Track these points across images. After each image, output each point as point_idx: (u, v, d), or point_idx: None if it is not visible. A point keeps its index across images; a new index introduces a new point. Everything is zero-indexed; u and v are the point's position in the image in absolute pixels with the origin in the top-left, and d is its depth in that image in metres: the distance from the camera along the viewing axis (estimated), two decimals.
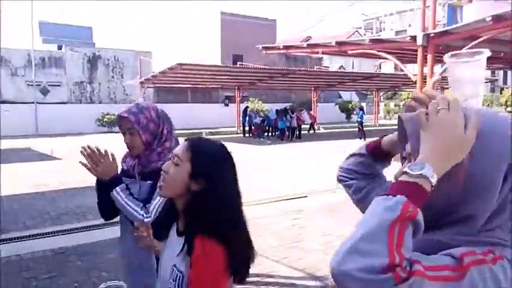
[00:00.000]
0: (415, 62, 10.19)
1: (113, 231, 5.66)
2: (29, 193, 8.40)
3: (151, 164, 1.96)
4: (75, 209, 7.07)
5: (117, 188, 1.88)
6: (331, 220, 6.15)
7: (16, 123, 23.90)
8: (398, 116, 0.92)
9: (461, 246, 0.78)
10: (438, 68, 9.31)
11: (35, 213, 6.84)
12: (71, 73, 29.71)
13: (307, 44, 10.58)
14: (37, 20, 37.31)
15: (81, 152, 1.88)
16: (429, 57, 8.12)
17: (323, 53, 10.44)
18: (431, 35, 7.92)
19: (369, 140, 1.15)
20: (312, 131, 24.35)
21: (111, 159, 1.92)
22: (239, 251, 1.34)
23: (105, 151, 1.94)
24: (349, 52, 9.91)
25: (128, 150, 2.05)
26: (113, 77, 31.12)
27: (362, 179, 1.22)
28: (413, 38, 8.08)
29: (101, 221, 6.57)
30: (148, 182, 1.96)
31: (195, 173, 1.34)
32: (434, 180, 0.75)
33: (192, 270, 1.29)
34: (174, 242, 1.39)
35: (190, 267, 1.29)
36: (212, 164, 1.36)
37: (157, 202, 1.93)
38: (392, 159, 1.21)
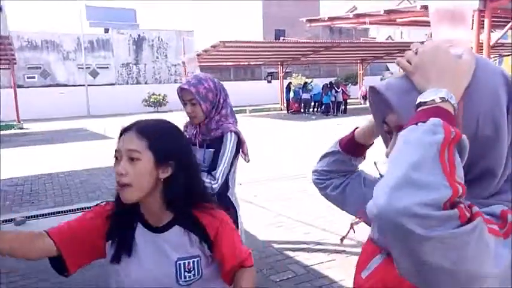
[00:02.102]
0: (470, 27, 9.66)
1: None
2: (87, 169, 8.90)
3: (211, 132, 2.09)
4: None
5: None
6: None
7: (69, 105, 25.17)
8: (371, 88, 0.81)
9: None
10: (496, 34, 8.79)
11: (95, 187, 7.27)
12: (118, 55, 30.64)
13: (354, 15, 10.22)
14: (84, 4, 38.51)
15: None
16: (486, 21, 7.66)
17: (370, 23, 10.09)
18: None
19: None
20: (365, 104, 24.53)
21: None
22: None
23: None
24: (399, 21, 9.51)
25: (188, 119, 2.17)
26: (157, 57, 31.80)
27: (338, 177, 1.17)
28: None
29: None
30: (211, 149, 2.07)
31: (160, 159, 1.20)
32: (454, 102, 0.66)
33: (222, 241, 1.29)
34: (155, 244, 1.26)
35: (212, 242, 1.28)
36: (172, 142, 1.25)
37: (222, 168, 2.04)
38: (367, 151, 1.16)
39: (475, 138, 0.68)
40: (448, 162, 0.57)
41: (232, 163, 2.11)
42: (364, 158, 1.16)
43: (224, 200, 2.13)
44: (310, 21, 12.06)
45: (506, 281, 0.60)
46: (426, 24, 10.43)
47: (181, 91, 2.10)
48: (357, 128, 1.13)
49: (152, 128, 1.25)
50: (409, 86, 0.73)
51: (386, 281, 0.79)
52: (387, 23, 10.68)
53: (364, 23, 10.25)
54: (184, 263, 1.25)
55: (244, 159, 2.29)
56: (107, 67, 30.34)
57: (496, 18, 8.43)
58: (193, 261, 1.26)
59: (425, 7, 8.95)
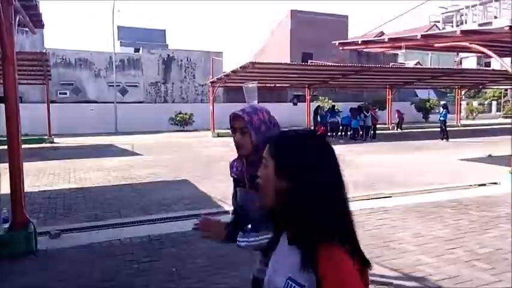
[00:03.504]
0: (510, 55, 9.39)
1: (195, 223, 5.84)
2: (118, 185, 8.92)
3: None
4: (161, 200, 7.37)
5: (239, 239, 1.88)
6: (420, 221, 5.83)
7: (98, 122, 25.65)
8: None
9: None
10: None
11: (126, 203, 7.24)
12: (147, 74, 31.29)
13: (389, 39, 10.10)
14: (115, 24, 39.81)
15: (195, 227, 1.96)
16: None
17: (406, 48, 9.93)
18: None
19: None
20: (399, 130, 24.55)
21: (218, 226, 1.96)
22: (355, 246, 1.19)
23: (206, 218, 1.99)
24: (436, 46, 9.33)
25: (236, 153, 1.99)
26: (185, 77, 32.32)
27: None
28: None
29: (187, 212, 6.78)
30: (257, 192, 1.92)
31: (277, 170, 1.18)
32: None
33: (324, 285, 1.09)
34: (286, 251, 1.21)
35: (319, 281, 1.10)
36: (293, 157, 1.17)
37: None
38: None
39: None
40: None
41: None
42: None
43: None
44: (343, 44, 11.98)
45: None
46: (464, 49, 10.22)
47: (233, 117, 1.96)
48: None
49: (284, 139, 1.25)
50: None
51: None
52: (423, 48, 10.50)
53: (400, 47, 10.10)
54: (291, 285, 1.13)
55: None
56: (136, 85, 30.98)
57: None
58: None
59: (465, 32, 8.76)
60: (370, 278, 4.13)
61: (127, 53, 32.99)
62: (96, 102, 28.60)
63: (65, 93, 28.96)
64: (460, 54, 37.39)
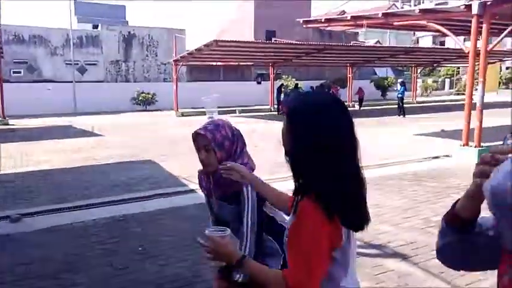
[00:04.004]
0: (465, 34, 9.75)
1: (161, 202, 5.85)
2: (79, 166, 8.72)
3: (226, 188, 1.95)
4: (126, 181, 7.30)
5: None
6: (379, 192, 6.08)
7: (55, 102, 24.63)
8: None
9: None
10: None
11: (88, 184, 7.10)
12: (107, 52, 30.20)
13: (351, 16, 10.22)
14: None
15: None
16: (484, 27, 7.69)
17: (368, 26, 10.12)
18: (488, 2, 7.51)
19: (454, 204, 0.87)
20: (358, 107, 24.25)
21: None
22: (342, 207, 1.24)
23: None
24: (396, 24, 9.56)
25: (202, 167, 2.00)
26: (147, 55, 31.46)
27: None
28: (468, 6, 7.72)
29: (150, 192, 6.74)
30: (232, 206, 1.94)
31: (286, 126, 1.34)
32: None
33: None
34: None
35: None
36: (293, 120, 1.31)
37: (246, 241, 1.85)
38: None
39: None
40: None
41: (259, 212, 1.91)
42: (474, 228, 0.95)
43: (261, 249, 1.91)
44: (306, 22, 12.03)
45: None
46: (422, 28, 10.52)
47: (196, 136, 1.96)
48: (456, 202, 0.95)
49: (291, 101, 1.47)
50: None
51: None
52: (385, 26, 10.72)
53: (361, 25, 10.26)
54: (286, 231, 1.39)
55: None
56: (96, 64, 29.90)
57: (493, 24, 8.51)
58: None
59: (423, 11, 9.01)
60: None
61: (85, 30, 31.66)
62: (52, 81, 27.40)
63: (19, 72, 27.58)
64: (416, 33, 38.40)
